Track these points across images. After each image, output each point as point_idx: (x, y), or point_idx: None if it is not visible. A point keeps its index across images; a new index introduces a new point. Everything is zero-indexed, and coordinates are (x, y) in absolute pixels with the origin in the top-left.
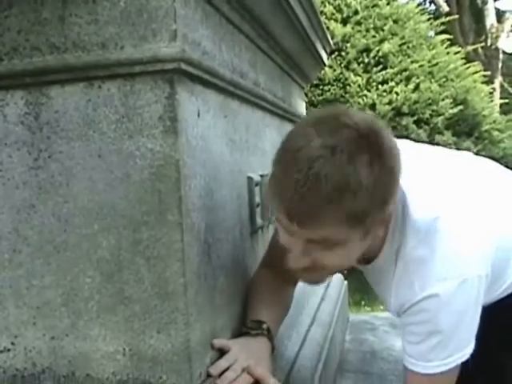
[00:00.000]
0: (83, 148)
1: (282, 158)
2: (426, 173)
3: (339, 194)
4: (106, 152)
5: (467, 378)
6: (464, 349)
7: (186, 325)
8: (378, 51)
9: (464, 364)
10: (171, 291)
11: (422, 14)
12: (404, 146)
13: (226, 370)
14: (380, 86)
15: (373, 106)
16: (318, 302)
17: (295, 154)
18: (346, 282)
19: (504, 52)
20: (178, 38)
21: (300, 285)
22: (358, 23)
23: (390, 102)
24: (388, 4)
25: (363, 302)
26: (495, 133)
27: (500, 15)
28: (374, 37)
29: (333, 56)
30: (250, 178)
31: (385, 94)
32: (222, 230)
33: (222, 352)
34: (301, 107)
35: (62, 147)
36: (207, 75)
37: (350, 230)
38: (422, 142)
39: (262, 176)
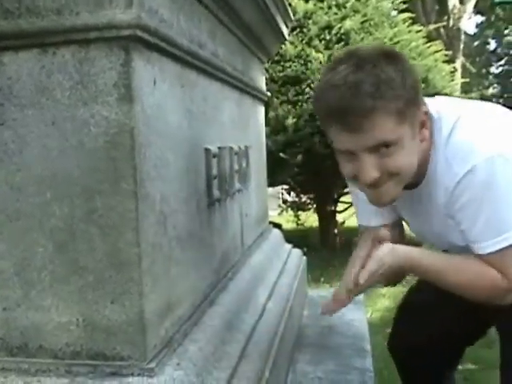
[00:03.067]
0: (37, 115)
1: (318, 91)
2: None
3: (377, 88)
4: (59, 119)
5: None
6: None
7: (140, 295)
8: (339, 28)
9: None
10: (125, 261)
11: None
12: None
13: None
14: None
15: None
16: (277, 276)
17: (328, 80)
18: (304, 258)
19: (466, 33)
20: (134, 5)
21: (258, 259)
22: (321, 0)
23: None
24: None
25: (322, 279)
26: None
27: None
28: (335, 14)
29: (294, 32)
30: (207, 150)
31: None
32: (178, 201)
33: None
34: (261, 82)
35: (15, 114)
36: (164, 43)
37: (398, 127)
38: None
39: (219, 148)
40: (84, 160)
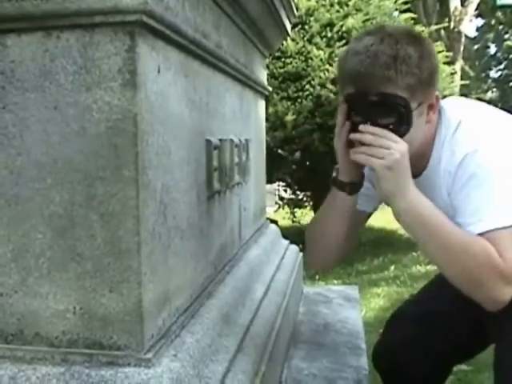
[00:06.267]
0: (39, 99)
1: (341, 56)
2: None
3: (394, 61)
4: (62, 104)
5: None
6: None
7: (138, 284)
8: (341, 26)
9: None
10: (125, 249)
11: None
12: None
13: None
14: None
15: (334, 81)
16: (274, 271)
17: (353, 47)
18: (301, 254)
19: (466, 36)
20: None
21: (255, 254)
22: None
23: None
24: None
25: (317, 276)
26: None
27: None
28: (338, 11)
29: (296, 29)
30: (208, 141)
31: None
32: (178, 191)
33: None
34: (263, 76)
35: (17, 98)
36: (169, 31)
37: (409, 97)
38: None
39: (220, 140)
40: (85, 146)
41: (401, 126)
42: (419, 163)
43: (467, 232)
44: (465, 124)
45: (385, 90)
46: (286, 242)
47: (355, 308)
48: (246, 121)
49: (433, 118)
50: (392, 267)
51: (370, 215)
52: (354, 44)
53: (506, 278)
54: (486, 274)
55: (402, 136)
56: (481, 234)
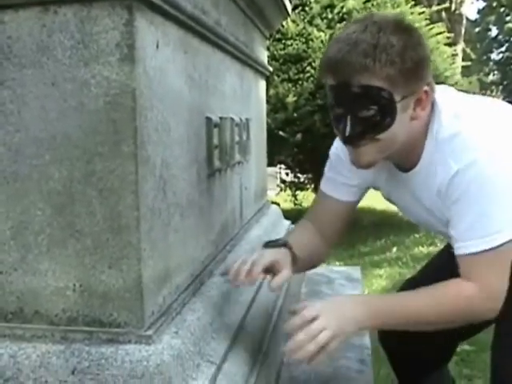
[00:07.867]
0: (36, 75)
1: (327, 47)
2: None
3: (373, 50)
4: (60, 80)
5: None
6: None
7: (138, 260)
8: (342, 7)
9: None
10: (124, 225)
11: None
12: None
13: None
14: None
15: None
16: None
17: (336, 36)
18: None
19: (467, 19)
20: None
21: (257, 234)
22: None
23: None
24: None
25: None
26: None
27: None
28: None
29: (296, 11)
30: (208, 119)
31: None
32: (178, 168)
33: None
34: (263, 56)
35: (15, 74)
36: (167, 6)
37: (390, 89)
38: None
39: (221, 118)
40: (84, 121)
41: (384, 119)
42: (407, 159)
43: (428, 290)
44: (461, 129)
45: (362, 80)
46: (288, 222)
47: (357, 288)
48: (247, 100)
49: (421, 114)
50: (394, 249)
51: (357, 203)
52: (340, 33)
53: (489, 298)
54: (471, 309)
55: (385, 129)
56: (465, 256)
